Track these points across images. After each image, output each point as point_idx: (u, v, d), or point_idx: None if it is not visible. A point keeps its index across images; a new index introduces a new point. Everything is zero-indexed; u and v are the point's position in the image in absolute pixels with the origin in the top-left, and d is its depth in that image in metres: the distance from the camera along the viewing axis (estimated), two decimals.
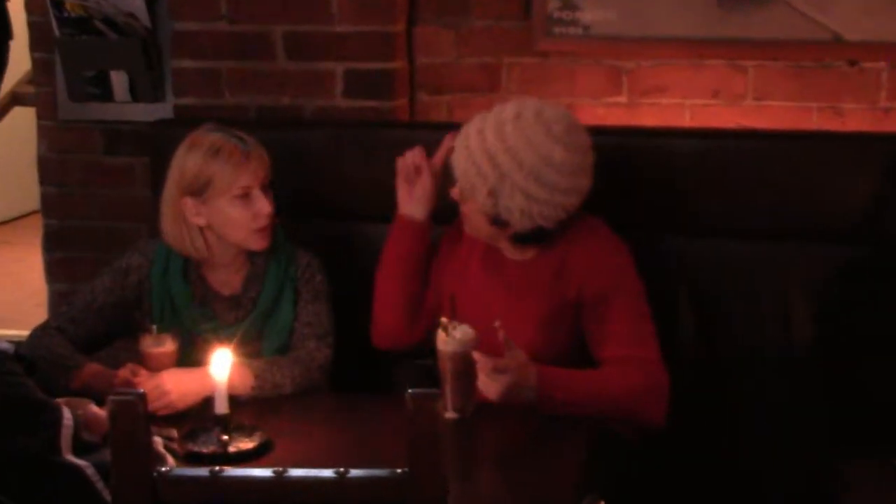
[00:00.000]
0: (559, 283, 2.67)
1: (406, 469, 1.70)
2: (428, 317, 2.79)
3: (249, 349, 2.75)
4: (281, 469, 1.73)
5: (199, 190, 2.73)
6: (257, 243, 2.76)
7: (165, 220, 2.79)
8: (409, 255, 2.82)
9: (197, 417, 2.52)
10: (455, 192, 2.69)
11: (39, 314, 3.49)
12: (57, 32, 3.49)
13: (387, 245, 2.86)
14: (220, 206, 2.72)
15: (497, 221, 2.63)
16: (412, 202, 2.82)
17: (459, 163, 2.64)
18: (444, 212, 2.80)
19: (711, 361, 2.90)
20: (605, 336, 2.62)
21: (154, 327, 2.70)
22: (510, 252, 2.74)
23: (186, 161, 2.74)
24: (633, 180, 2.92)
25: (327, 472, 1.72)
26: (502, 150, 2.58)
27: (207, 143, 2.73)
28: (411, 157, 2.81)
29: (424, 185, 2.80)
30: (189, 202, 2.74)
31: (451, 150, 2.70)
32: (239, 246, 2.78)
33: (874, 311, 2.81)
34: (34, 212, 5.56)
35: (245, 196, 2.72)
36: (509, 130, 2.59)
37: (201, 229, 2.76)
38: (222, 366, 2.42)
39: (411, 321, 2.83)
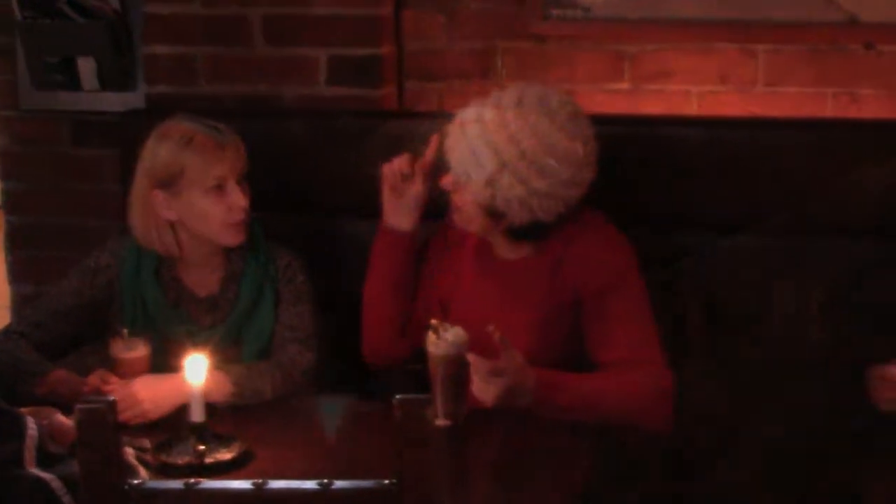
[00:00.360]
0: (556, 283, 2.67)
1: (394, 480, 1.70)
2: (420, 329, 2.77)
3: (228, 353, 2.74)
4: (261, 481, 1.73)
5: (170, 182, 2.72)
6: (231, 238, 2.76)
7: (134, 215, 2.79)
8: (396, 268, 2.81)
9: (171, 427, 2.52)
10: (447, 182, 2.67)
11: (2, 318, 3.48)
12: (18, 15, 3.48)
13: (371, 259, 2.84)
14: (193, 199, 2.72)
15: (493, 213, 2.62)
16: (398, 213, 2.79)
17: (455, 151, 2.62)
18: (429, 206, 2.79)
19: (721, 364, 2.90)
20: (605, 338, 2.62)
21: (125, 331, 2.70)
22: (503, 250, 2.73)
23: (157, 151, 2.74)
24: (636, 172, 2.92)
25: (310, 484, 1.72)
26: (504, 138, 2.57)
27: (179, 133, 2.73)
28: (398, 165, 2.78)
29: (415, 193, 2.78)
30: (159, 195, 2.73)
31: (443, 139, 2.68)
32: (212, 242, 2.77)
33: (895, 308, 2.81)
34: None
35: (219, 188, 2.72)
36: (511, 117, 2.58)
37: (172, 225, 2.76)
38: (198, 372, 2.41)
39: (404, 335, 2.82)
